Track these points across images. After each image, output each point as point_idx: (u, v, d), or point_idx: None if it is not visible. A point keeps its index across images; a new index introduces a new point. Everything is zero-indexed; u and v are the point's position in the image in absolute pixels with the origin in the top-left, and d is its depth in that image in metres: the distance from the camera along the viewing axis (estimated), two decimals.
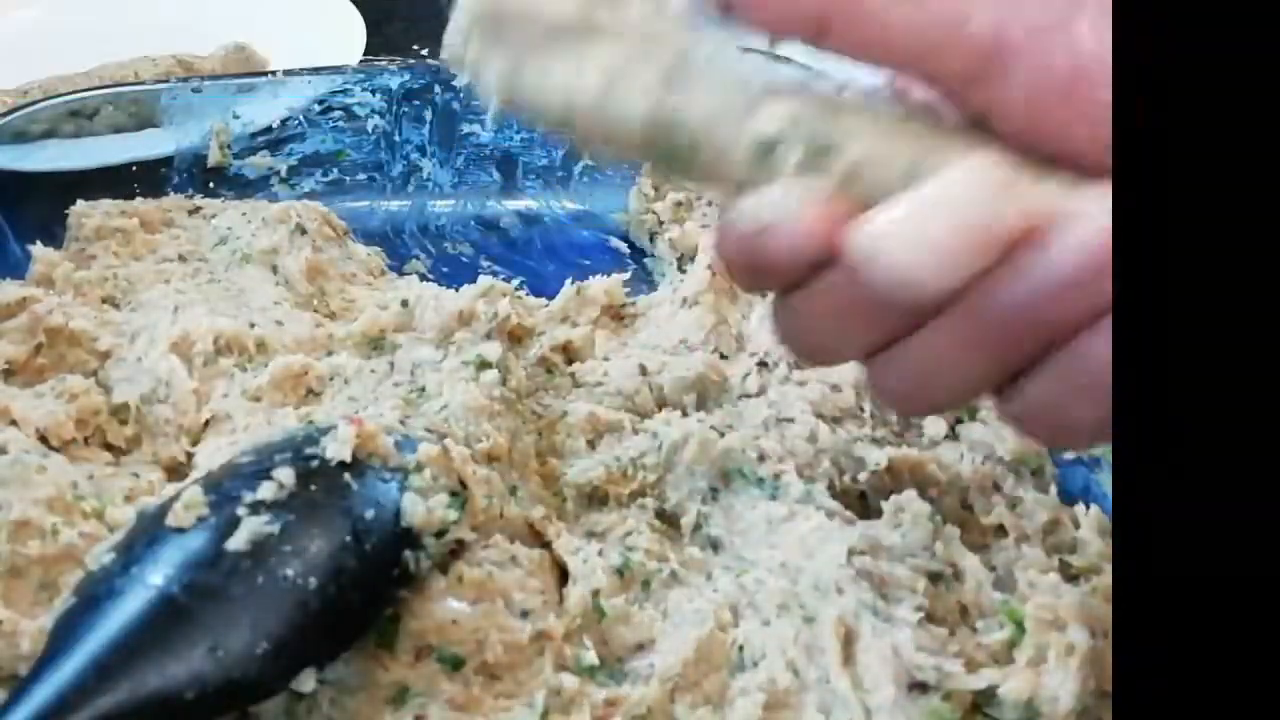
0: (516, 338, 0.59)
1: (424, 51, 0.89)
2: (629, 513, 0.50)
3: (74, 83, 0.83)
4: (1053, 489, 0.54)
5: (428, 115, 0.73)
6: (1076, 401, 0.33)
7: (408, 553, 0.45)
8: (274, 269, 0.63)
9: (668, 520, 0.50)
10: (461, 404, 0.51)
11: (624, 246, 0.72)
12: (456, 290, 0.62)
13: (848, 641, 0.43)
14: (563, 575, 0.48)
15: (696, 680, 0.44)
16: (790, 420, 0.54)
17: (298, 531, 0.42)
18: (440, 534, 0.45)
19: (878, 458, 0.53)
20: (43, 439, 0.51)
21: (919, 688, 0.42)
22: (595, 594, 0.46)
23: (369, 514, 0.44)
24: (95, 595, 0.41)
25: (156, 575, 0.41)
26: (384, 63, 0.75)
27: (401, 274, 0.69)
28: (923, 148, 0.33)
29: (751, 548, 0.48)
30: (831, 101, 0.34)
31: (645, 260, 0.71)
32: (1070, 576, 0.48)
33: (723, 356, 0.60)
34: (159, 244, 0.65)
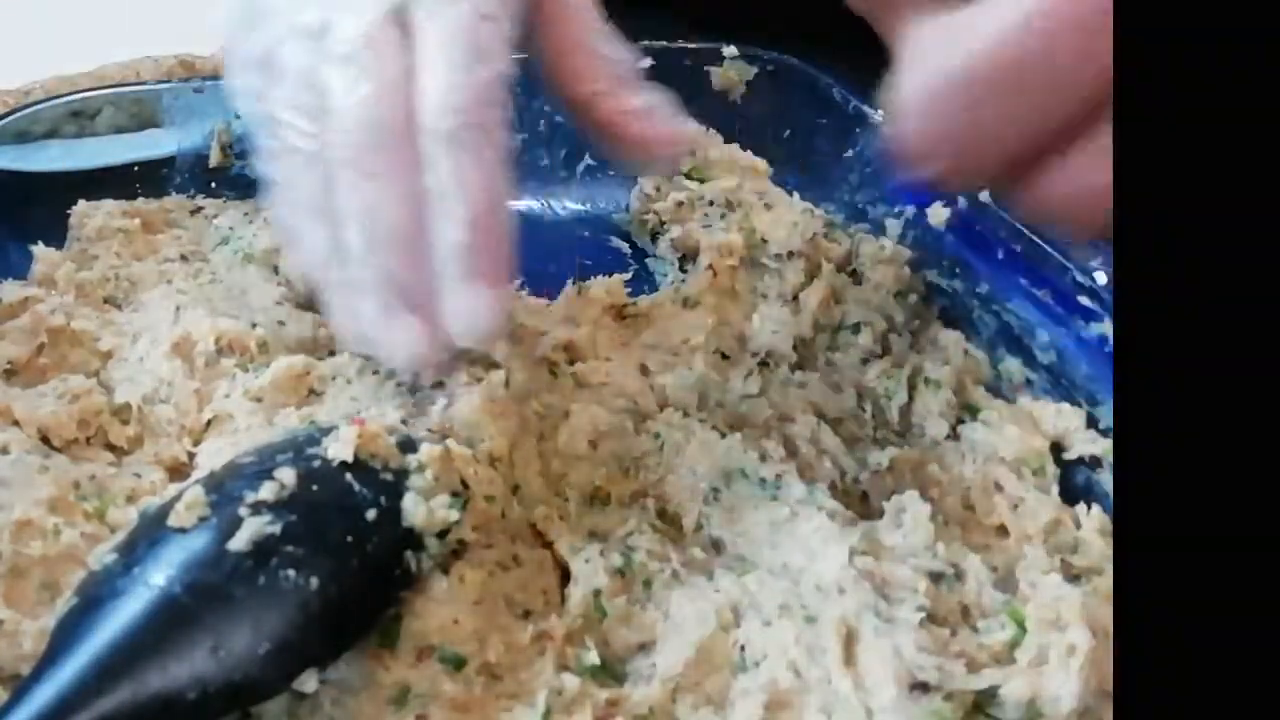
0: (518, 338, 0.59)
1: None
2: (630, 513, 0.50)
3: (75, 83, 0.82)
4: (1054, 489, 0.54)
5: None
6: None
7: (409, 553, 0.45)
8: (276, 269, 0.63)
9: (669, 521, 0.50)
10: (463, 404, 0.51)
11: (625, 246, 0.72)
12: None
13: (849, 642, 0.43)
14: (564, 575, 0.48)
15: (698, 681, 0.44)
16: (791, 421, 0.54)
17: (299, 532, 0.42)
18: (442, 534, 0.45)
19: (879, 458, 0.53)
20: (44, 439, 0.51)
21: (920, 688, 0.42)
22: (597, 594, 0.46)
23: (371, 514, 0.44)
24: (97, 595, 0.41)
25: (158, 575, 0.41)
26: None
27: None
28: None
29: (753, 548, 0.48)
30: None
31: (647, 260, 0.71)
32: (1072, 577, 0.48)
33: (724, 357, 0.60)
34: (161, 244, 0.65)
